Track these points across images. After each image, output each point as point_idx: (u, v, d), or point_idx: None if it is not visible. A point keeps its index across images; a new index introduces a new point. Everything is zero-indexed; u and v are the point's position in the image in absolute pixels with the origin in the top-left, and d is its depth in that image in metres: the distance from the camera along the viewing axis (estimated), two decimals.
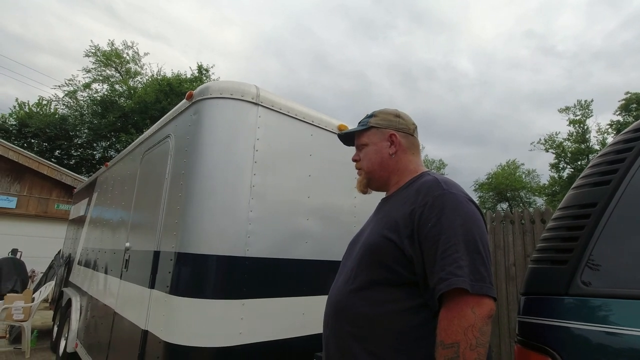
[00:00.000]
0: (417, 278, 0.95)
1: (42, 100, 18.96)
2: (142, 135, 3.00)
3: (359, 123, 1.29)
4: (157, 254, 1.98)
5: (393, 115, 1.23)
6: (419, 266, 0.94)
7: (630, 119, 20.79)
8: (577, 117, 23.87)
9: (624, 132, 1.04)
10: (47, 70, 35.72)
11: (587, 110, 23.72)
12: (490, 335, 0.86)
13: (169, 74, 19.20)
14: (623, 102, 21.67)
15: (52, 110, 18.75)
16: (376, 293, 0.98)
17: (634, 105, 20.86)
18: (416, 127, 1.26)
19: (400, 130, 1.20)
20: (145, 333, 1.88)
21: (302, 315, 1.95)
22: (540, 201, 25.95)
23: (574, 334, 0.87)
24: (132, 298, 2.27)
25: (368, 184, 1.23)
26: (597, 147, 22.68)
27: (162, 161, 2.24)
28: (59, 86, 18.97)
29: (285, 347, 1.86)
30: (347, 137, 1.31)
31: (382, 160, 1.19)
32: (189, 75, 18.85)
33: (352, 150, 1.31)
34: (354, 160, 1.27)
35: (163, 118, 2.50)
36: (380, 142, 1.20)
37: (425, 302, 0.93)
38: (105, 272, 3.07)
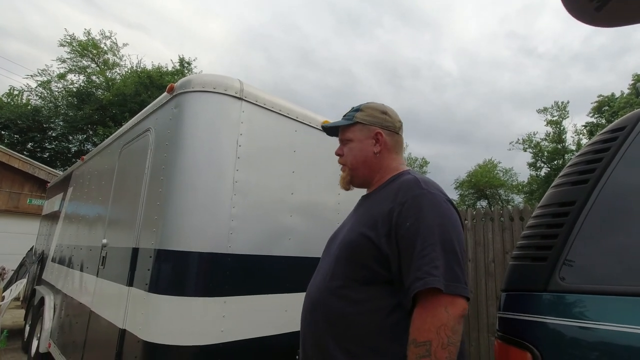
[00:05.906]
0: (393, 277, 0.95)
1: (13, 90, 18.14)
2: (121, 128, 2.91)
3: (345, 116, 1.24)
4: (135, 251, 1.93)
5: (380, 111, 1.19)
6: (394, 264, 0.94)
7: (603, 120, 21.63)
8: (555, 118, 24.64)
9: (601, 132, 1.07)
10: (19, 58, 34.04)
11: (563, 112, 24.54)
12: (461, 334, 0.86)
13: (149, 66, 18.69)
14: (596, 104, 22.52)
15: (24, 101, 17.95)
16: (352, 291, 0.98)
17: (606, 107, 21.68)
18: (402, 125, 1.24)
19: (386, 128, 1.17)
20: (123, 332, 1.83)
21: (284, 313, 1.93)
22: (518, 199, 26.74)
23: (553, 329, 0.89)
24: (109, 296, 2.20)
25: (351, 180, 1.21)
26: (572, 147, 23.52)
27: (141, 155, 2.17)
28: (32, 76, 18.11)
29: (267, 344, 1.84)
30: (332, 129, 1.27)
31: (366, 158, 1.16)
32: (170, 68, 18.39)
33: (336, 146, 1.27)
34: (337, 154, 1.24)
35: (143, 111, 2.43)
36: (365, 140, 1.17)
37: (400, 302, 0.93)
38: (81, 270, 2.96)
